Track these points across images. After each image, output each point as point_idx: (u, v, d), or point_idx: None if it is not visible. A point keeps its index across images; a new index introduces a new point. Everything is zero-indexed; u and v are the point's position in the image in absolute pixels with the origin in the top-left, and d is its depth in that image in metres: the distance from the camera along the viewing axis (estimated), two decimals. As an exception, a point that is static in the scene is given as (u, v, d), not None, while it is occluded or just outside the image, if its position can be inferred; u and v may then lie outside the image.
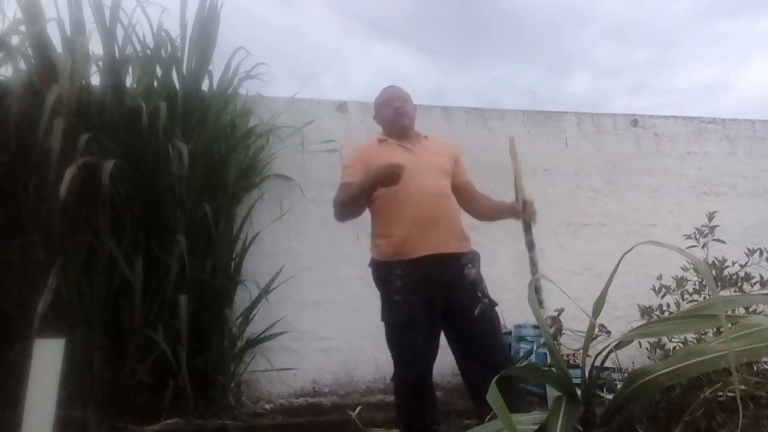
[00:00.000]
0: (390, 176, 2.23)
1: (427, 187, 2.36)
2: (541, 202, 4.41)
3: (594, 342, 1.75)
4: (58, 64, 2.84)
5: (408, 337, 2.25)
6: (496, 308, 2.40)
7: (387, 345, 2.36)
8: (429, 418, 2.26)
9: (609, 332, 2.21)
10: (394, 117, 2.52)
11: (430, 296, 2.28)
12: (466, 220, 2.53)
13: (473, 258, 2.41)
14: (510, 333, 3.60)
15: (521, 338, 3.48)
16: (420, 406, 2.26)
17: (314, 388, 3.83)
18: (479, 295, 2.33)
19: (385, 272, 2.35)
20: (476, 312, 2.28)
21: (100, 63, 3.17)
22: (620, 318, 2.63)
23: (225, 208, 3.45)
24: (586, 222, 4.54)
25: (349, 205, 2.41)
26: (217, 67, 3.55)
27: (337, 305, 3.96)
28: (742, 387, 1.43)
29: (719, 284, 2.03)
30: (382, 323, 2.39)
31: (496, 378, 1.33)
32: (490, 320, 2.33)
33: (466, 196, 2.54)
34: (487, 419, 1.56)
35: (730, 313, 1.63)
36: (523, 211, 2.43)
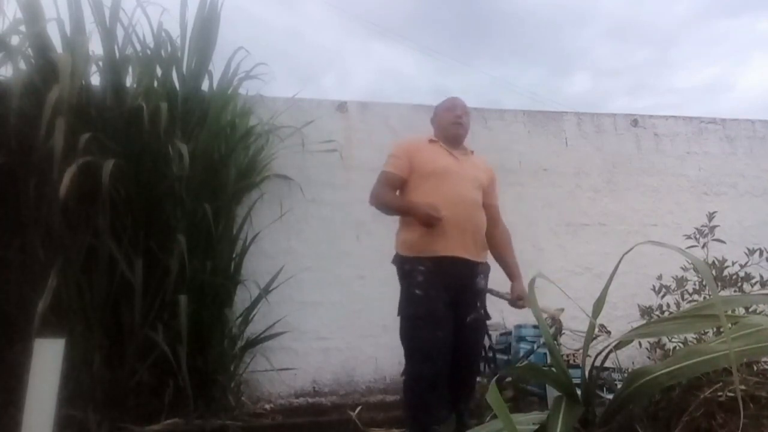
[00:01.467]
0: (428, 220, 2.36)
1: (465, 194, 2.50)
2: (541, 202, 4.49)
3: (594, 342, 1.75)
4: (58, 64, 2.83)
5: (427, 330, 2.33)
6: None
7: (401, 340, 2.43)
8: (437, 415, 2.27)
9: (609, 332, 2.22)
10: (451, 124, 2.67)
11: (446, 294, 2.38)
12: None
13: (485, 270, 2.57)
14: (510, 333, 3.60)
15: (521, 338, 3.47)
16: (432, 402, 2.29)
17: (314, 388, 3.83)
18: (477, 305, 2.50)
19: (408, 267, 2.44)
20: (468, 319, 2.44)
21: (100, 63, 3.17)
22: (620, 318, 2.64)
23: (225, 208, 3.44)
24: (586, 222, 4.54)
25: (383, 210, 2.59)
26: (217, 67, 3.56)
27: (337, 305, 3.95)
28: (743, 387, 1.43)
29: (719, 284, 2.04)
30: (397, 318, 2.46)
31: (495, 378, 1.34)
32: (478, 330, 2.54)
33: (489, 219, 2.65)
34: (487, 419, 1.57)
35: (730, 313, 1.63)
36: (518, 301, 2.61)
